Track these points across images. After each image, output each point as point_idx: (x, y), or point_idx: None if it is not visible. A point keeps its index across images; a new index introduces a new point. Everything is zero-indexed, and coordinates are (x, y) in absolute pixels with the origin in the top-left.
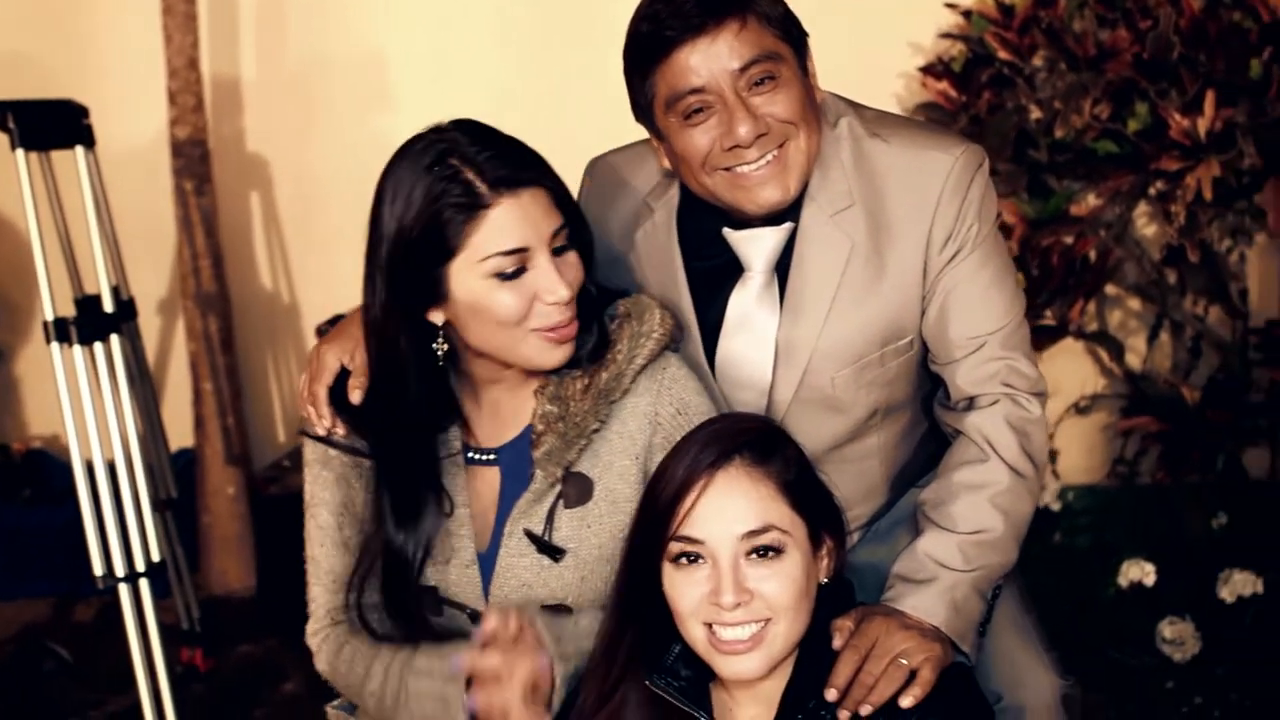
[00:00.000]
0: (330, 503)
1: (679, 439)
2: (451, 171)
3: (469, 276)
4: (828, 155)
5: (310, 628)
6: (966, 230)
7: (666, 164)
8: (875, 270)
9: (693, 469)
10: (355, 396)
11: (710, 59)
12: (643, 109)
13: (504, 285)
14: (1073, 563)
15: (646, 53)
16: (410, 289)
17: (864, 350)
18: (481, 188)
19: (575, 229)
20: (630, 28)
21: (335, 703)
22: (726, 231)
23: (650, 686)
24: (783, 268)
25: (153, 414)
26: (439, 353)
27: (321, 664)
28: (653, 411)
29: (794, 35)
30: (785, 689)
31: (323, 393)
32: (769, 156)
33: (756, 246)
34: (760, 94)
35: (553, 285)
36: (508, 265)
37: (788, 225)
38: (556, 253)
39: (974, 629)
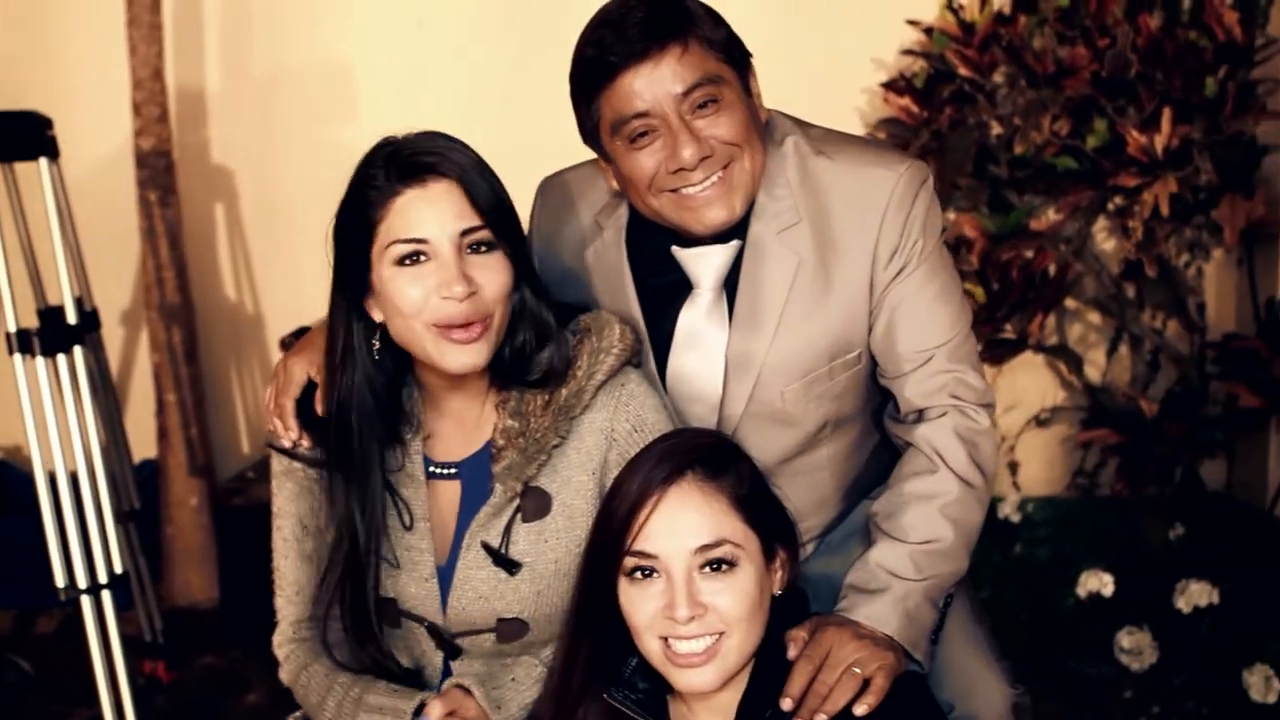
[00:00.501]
0: (294, 515)
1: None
2: (378, 161)
3: (381, 266)
4: (774, 173)
5: (276, 638)
6: (911, 246)
7: (615, 185)
8: (822, 285)
9: (646, 484)
10: (321, 409)
11: (654, 83)
12: (589, 132)
13: (404, 273)
14: (1032, 573)
15: (591, 78)
16: (347, 277)
17: (813, 364)
18: (392, 177)
19: (504, 235)
20: (575, 53)
21: (296, 714)
22: (675, 250)
23: (608, 699)
24: (731, 284)
25: (116, 425)
26: (375, 347)
27: (285, 676)
28: (609, 427)
29: (736, 57)
30: (741, 700)
31: (289, 405)
32: (714, 178)
33: (705, 264)
34: (703, 117)
35: (447, 279)
36: (405, 252)
37: (735, 243)
38: (473, 250)
39: (926, 637)
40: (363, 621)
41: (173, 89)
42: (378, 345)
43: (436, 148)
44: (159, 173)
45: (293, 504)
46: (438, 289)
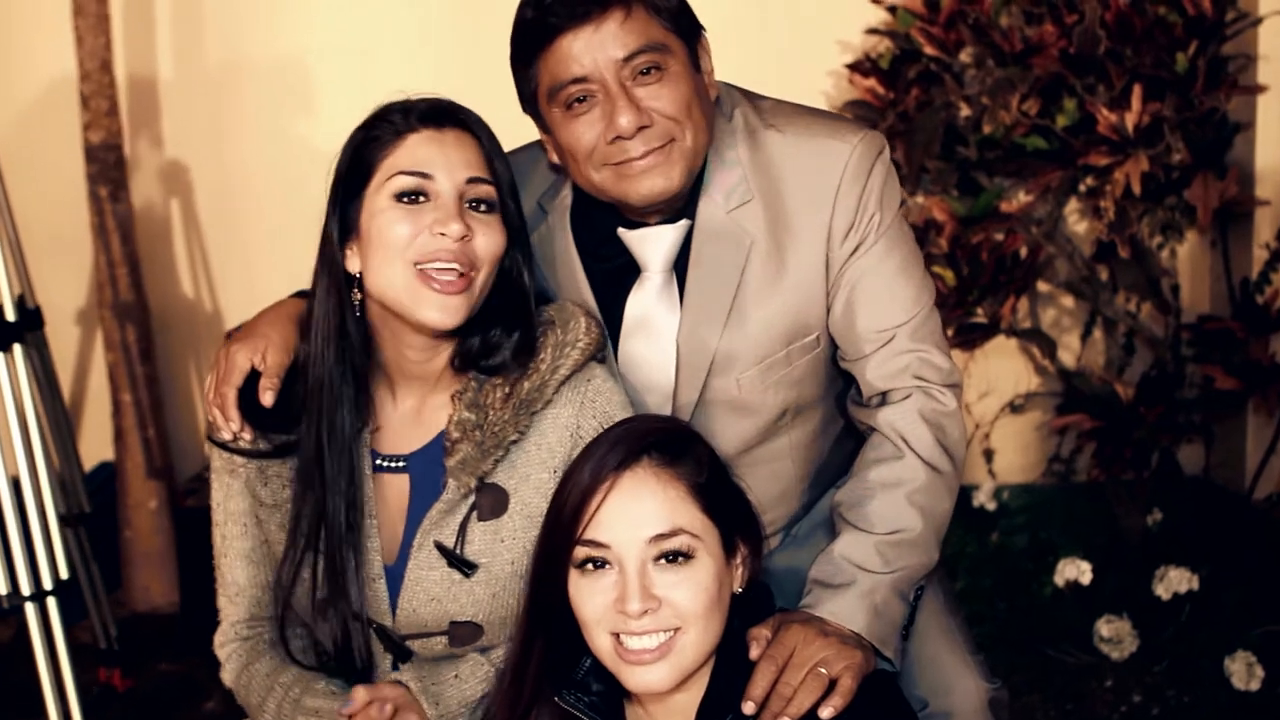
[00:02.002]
0: (235, 513)
1: None
2: (386, 113)
3: (376, 200)
4: (724, 149)
5: (218, 638)
6: (868, 220)
7: (554, 158)
8: (776, 266)
9: (598, 470)
10: (267, 398)
11: (593, 47)
12: (527, 99)
13: (399, 209)
14: (1009, 562)
15: (530, 40)
16: (333, 226)
17: (769, 349)
18: (411, 119)
19: (505, 201)
20: (516, 14)
21: None
22: (622, 231)
23: (559, 703)
24: (681, 266)
25: (63, 426)
26: (356, 301)
27: (227, 676)
28: (575, 424)
29: (685, 27)
30: (701, 702)
31: (231, 394)
32: (653, 150)
33: (653, 246)
34: (644, 85)
35: (445, 217)
36: (407, 186)
37: (684, 223)
38: (473, 206)
39: (896, 633)
40: (337, 601)
41: (123, 81)
42: (359, 297)
43: (457, 105)
44: (109, 167)
45: (233, 501)
46: (431, 226)
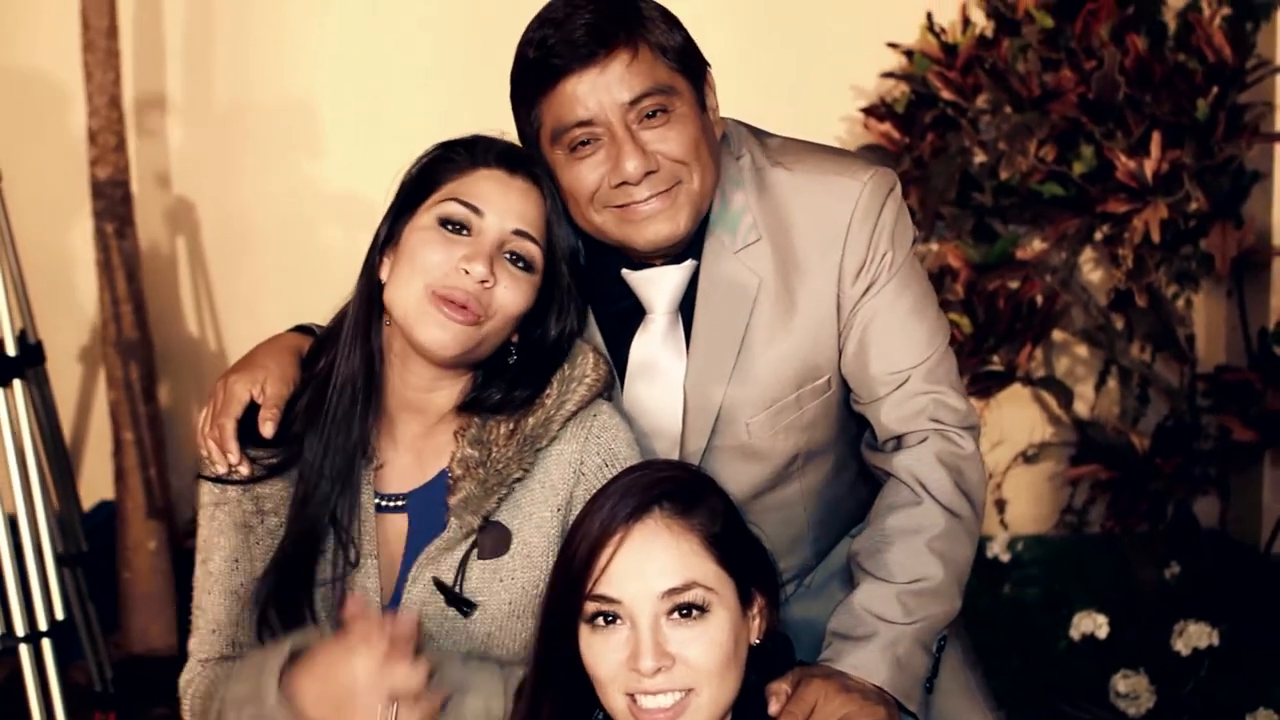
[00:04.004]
0: (224, 548)
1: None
2: (470, 141)
3: (424, 217)
4: (731, 188)
5: (184, 677)
6: (880, 259)
7: None
8: (785, 307)
9: (609, 522)
10: (267, 429)
11: (599, 90)
12: (529, 140)
13: (440, 233)
14: (1023, 615)
15: (532, 81)
16: (382, 230)
17: (778, 393)
18: (489, 155)
19: (548, 268)
20: (517, 53)
21: None
22: (626, 273)
23: None
24: (687, 309)
25: (63, 464)
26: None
27: (186, 709)
28: (578, 460)
29: (691, 67)
30: None
31: (230, 425)
32: (659, 194)
33: (658, 288)
34: (651, 128)
35: (474, 255)
36: (455, 214)
37: (690, 263)
38: (510, 259)
39: (920, 686)
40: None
41: (130, 117)
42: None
43: (532, 155)
44: (115, 203)
45: (224, 536)
46: (460, 260)
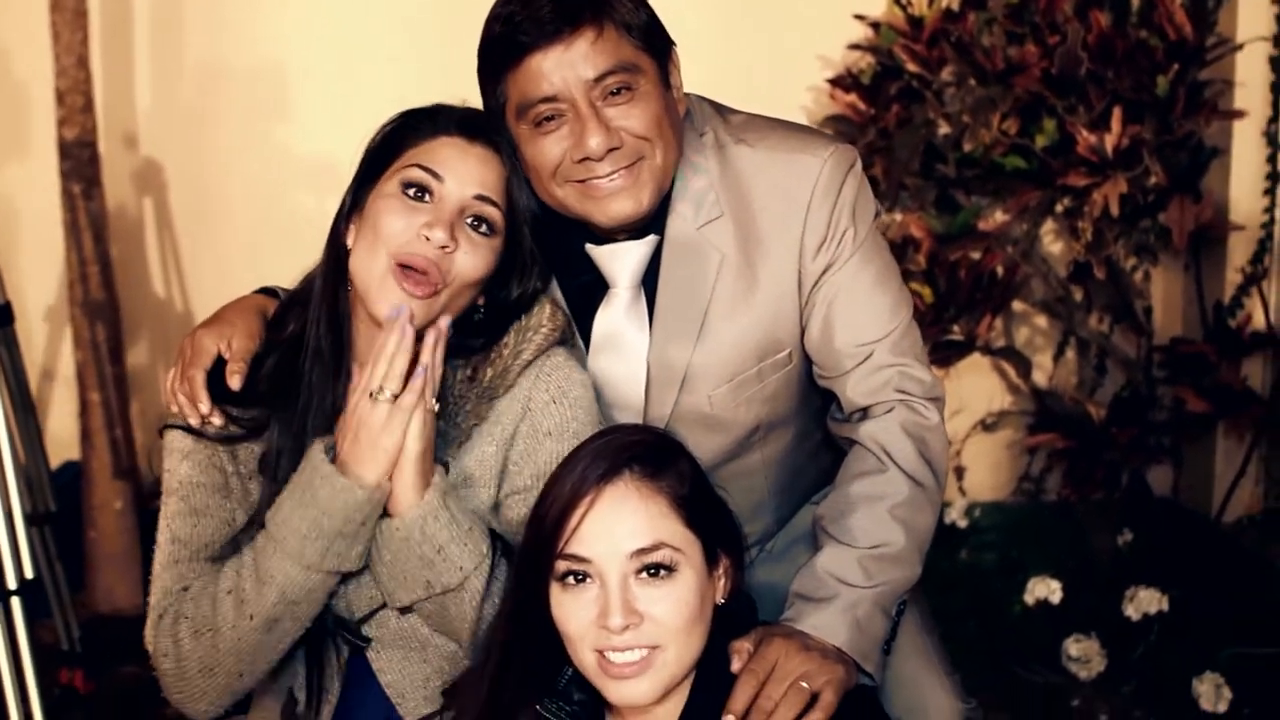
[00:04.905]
0: (187, 484)
1: (558, 443)
2: (433, 110)
3: (387, 184)
4: (693, 164)
5: (148, 630)
6: (841, 235)
7: None
8: (747, 283)
9: (580, 484)
10: (234, 382)
11: (564, 66)
12: (494, 113)
13: (402, 199)
14: (979, 580)
15: (498, 56)
16: (348, 198)
17: (740, 366)
18: (449, 123)
19: (510, 234)
20: (485, 28)
21: None
22: (589, 247)
23: (541, 712)
24: (650, 283)
25: (31, 424)
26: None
27: (162, 659)
28: (526, 397)
29: (656, 45)
30: (681, 714)
31: (200, 377)
32: (620, 170)
33: (621, 262)
34: (615, 105)
35: (435, 222)
36: (417, 179)
37: (652, 238)
38: (473, 224)
39: (878, 648)
40: None
41: (98, 77)
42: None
43: (499, 123)
44: (83, 164)
45: (188, 489)
46: (421, 228)
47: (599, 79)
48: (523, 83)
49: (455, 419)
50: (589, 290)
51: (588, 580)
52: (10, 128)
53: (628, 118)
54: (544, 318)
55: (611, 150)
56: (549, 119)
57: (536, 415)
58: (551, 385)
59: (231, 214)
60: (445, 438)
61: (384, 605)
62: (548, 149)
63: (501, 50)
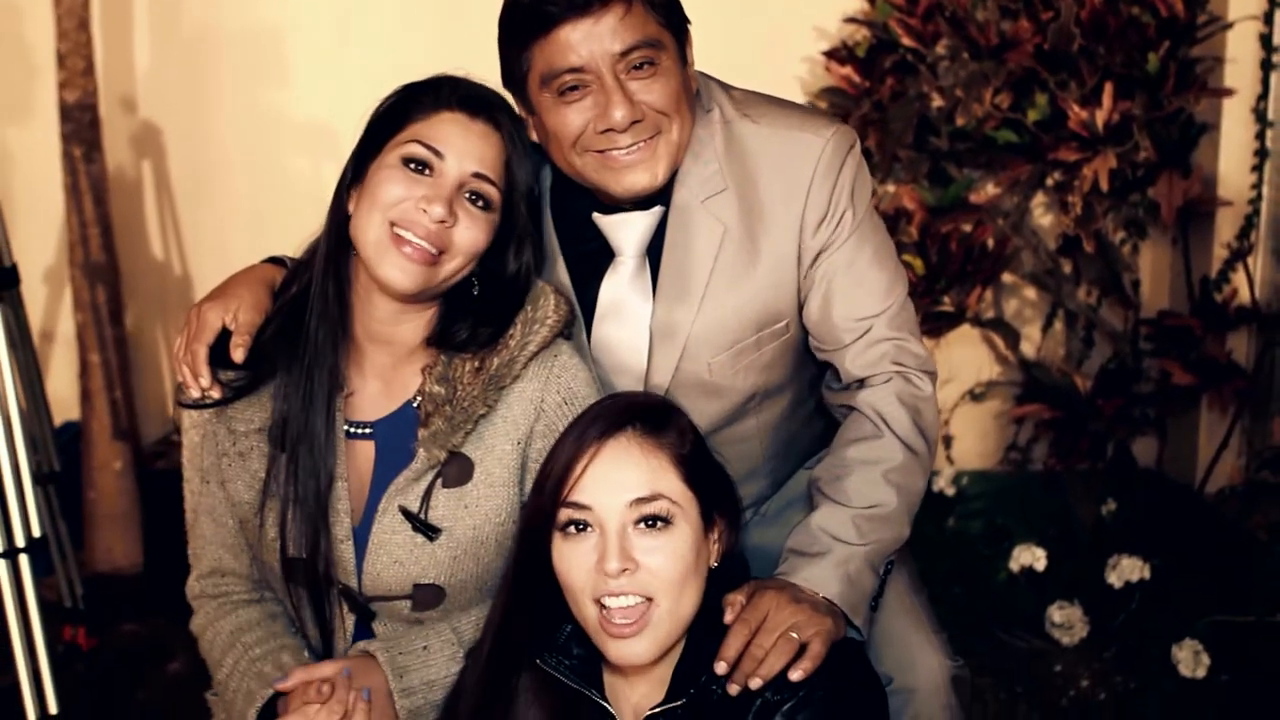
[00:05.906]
0: (201, 470)
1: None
2: (436, 83)
3: (388, 156)
4: (700, 139)
5: (191, 586)
6: (841, 214)
7: (534, 136)
8: (749, 255)
9: (582, 439)
10: (238, 354)
11: (592, 39)
12: (515, 80)
13: (403, 172)
14: (965, 546)
15: (526, 25)
16: (350, 167)
17: (739, 335)
18: (452, 98)
19: (507, 210)
20: None
21: (212, 690)
22: (596, 216)
23: (541, 665)
24: (655, 253)
25: (35, 385)
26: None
27: (194, 625)
28: (539, 398)
29: (676, 23)
30: (676, 665)
31: (203, 351)
32: (640, 143)
33: (627, 232)
34: (638, 79)
35: (434, 196)
36: (418, 154)
37: (658, 209)
38: (471, 199)
39: (866, 602)
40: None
41: (99, 40)
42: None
43: (502, 102)
44: (84, 127)
45: (198, 459)
46: (419, 199)
47: (625, 53)
48: (550, 53)
49: (463, 404)
50: (594, 258)
51: (588, 529)
52: (10, 90)
53: (649, 92)
54: (550, 309)
55: (634, 123)
56: (573, 89)
57: (550, 416)
58: (562, 388)
59: (229, 177)
60: (452, 422)
61: (399, 597)
62: (571, 118)
63: (529, 19)
